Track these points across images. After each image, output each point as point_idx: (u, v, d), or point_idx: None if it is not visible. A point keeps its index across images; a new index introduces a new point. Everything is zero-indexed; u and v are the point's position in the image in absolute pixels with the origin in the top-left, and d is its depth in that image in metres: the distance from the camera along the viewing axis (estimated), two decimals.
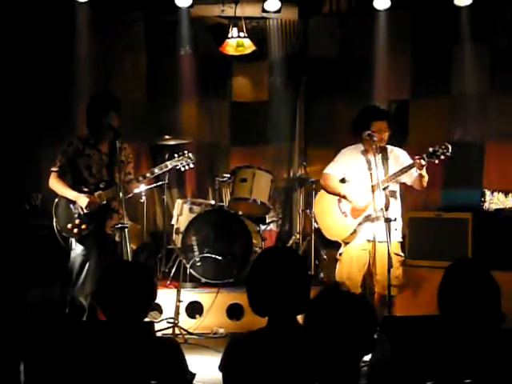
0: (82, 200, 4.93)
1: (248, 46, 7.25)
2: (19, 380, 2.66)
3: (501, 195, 6.91)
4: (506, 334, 2.54)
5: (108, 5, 7.20)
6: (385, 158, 5.15)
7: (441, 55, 7.16)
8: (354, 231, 5.17)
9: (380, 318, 2.48)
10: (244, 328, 5.29)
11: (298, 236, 7.09)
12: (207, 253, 6.23)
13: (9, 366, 2.67)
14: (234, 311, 5.89)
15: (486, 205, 6.93)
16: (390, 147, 5.24)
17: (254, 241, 6.40)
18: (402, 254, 5.23)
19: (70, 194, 4.99)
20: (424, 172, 4.99)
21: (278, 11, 7.37)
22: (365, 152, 5.21)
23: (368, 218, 5.12)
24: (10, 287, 5.21)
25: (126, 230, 4.75)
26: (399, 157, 5.21)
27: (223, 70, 7.75)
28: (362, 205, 5.12)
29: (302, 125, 7.85)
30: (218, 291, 5.89)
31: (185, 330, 5.58)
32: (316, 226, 6.29)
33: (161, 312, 5.81)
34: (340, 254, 5.29)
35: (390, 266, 4.68)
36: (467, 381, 2.45)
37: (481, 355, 2.47)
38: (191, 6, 7.23)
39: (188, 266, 6.11)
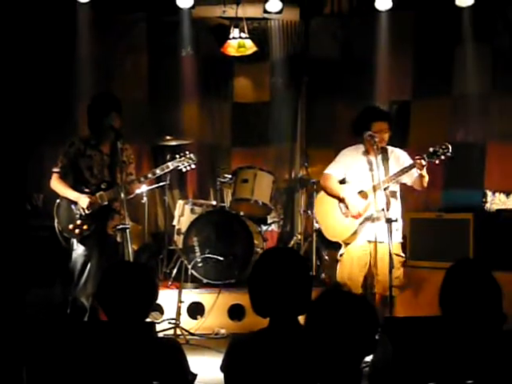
0: (83, 200, 4.94)
1: (249, 47, 7.26)
2: (21, 380, 2.66)
3: (502, 196, 6.91)
4: (507, 334, 2.54)
5: (109, 5, 7.21)
6: (385, 159, 5.14)
7: (442, 56, 7.16)
8: (355, 232, 5.17)
9: (381, 319, 2.48)
10: (245, 329, 5.29)
11: (299, 237, 7.09)
12: (208, 253, 6.23)
13: (11, 366, 2.67)
14: (235, 312, 5.89)
15: (488, 205, 6.93)
16: (390, 148, 5.23)
17: (256, 241, 6.39)
18: (403, 255, 5.23)
19: (72, 194, 4.99)
20: (424, 172, 4.99)
21: (280, 12, 7.37)
22: (366, 153, 5.21)
23: (369, 219, 5.12)
24: (11, 288, 5.21)
25: (128, 230, 4.76)
26: (399, 157, 5.21)
27: (224, 70, 7.76)
28: (356, 212, 5.11)
29: (303, 125, 7.85)
30: (219, 292, 5.89)
31: (186, 331, 5.58)
32: (317, 227, 6.29)
33: (162, 313, 5.81)
34: (341, 255, 5.28)
35: (391, 266, 4.68)
36: (469, 382, 2.45)
37: (482, 356, 2.47)
38: (193, 7, 7.24)
39: (189, 266, 6.11)
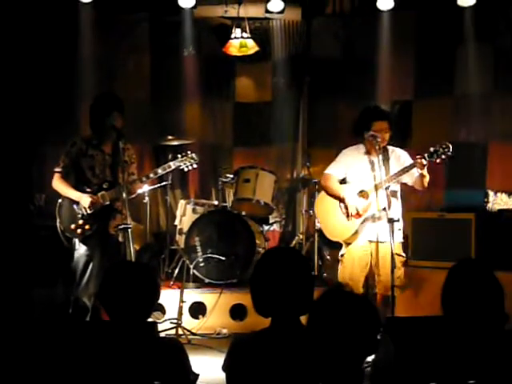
0: (85, 200, 4.94)
1: (251, 47, 7.26)
2: (24, 378, 2.66)
3: (504, 196, 6.90)
4: (509, 334, 2.54)
5: (112, 5, 7.21)
6: (386, 159, 5.13)
7: (444, 56, 7.15)
8: (356, 232, 5.15)
9: (383, 319, 2.48)
10: (247, 328, 5.30)
11: (301, 236, 7.09)
12: (210, 253, 6.23)
13: (13, 364, 2.67)
14: (237, 311, 5.89)
15: (490, 205, 6.92)
16: (390, 148, 5.23)
17: (258, 241, 6.39)
18: (404, 255, 5.22)
19: (73, 194, 5.00)
20: (425, 172, 4.99)
21: (282, 12, 7.36)
22: (367, 153, 5.20)
23: (370, 218, 5.12)
24: (14, 287, 5.22)
25: (130, 230, 4.76)
26: (400, 157, 5.20)
27: (226, 70, 7.76)
28: (354, 212, 5.10)
29: (305, 125, 7.84)
30: (221, 292, 5.89)
31: (188, 331, 5.58)
32: (319, 227, 6.29)
33: (164, 312, 5.82)
34: (342, 255, 5.27)
35: (393, 266, 4.68)
36: (471, 381, 2.45)
37: (484, 356, 2.47)
38: (194, 7, 7.24)
39: (191, 266, 6.11)
